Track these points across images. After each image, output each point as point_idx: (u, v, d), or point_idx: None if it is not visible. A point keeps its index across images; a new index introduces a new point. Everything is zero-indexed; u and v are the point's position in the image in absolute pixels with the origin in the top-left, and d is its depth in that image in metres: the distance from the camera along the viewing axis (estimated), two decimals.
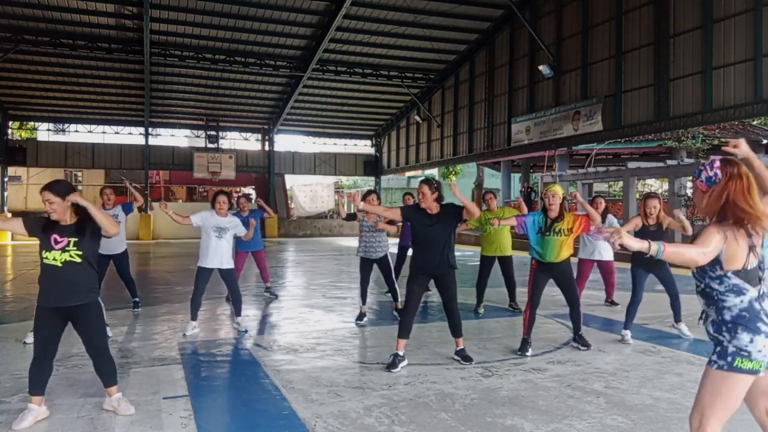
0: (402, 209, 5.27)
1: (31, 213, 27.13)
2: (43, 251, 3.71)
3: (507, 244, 7.72)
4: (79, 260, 3.73)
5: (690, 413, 2.57)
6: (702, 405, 2.47)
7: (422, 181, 5.18)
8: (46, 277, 3.74)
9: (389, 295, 8.43)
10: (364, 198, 6.95)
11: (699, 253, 2.39)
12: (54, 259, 3.69)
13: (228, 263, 6.35)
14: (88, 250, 3.78)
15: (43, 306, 3.76)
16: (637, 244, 2.38)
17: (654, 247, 2.39)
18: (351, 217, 7.17)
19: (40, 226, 3.75)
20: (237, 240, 8.55)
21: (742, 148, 2.82)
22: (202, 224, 6.23)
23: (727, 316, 2.43)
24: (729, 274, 2.41)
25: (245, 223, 8.30)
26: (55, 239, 3.70)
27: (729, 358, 2.40)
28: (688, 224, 5.96)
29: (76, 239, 3.73)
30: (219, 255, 6.25)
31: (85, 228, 3.77)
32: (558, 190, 5.56)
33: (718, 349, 2.47)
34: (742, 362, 2.37)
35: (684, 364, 5.20)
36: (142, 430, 3.64)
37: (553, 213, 5.50)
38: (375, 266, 7.22)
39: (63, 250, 3.69)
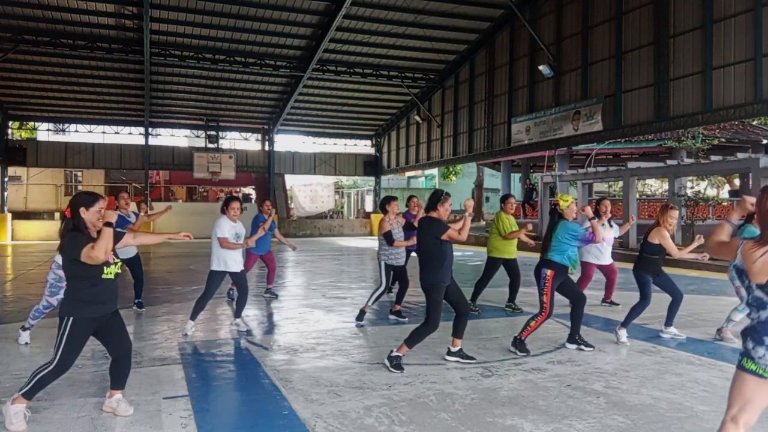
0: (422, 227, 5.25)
1: (32, 214, 27.17)
2: (104, 267, 3.69)
3: (515, 247, 7.77)
4: (121, 270, 3.88)
5: None
6: (728, 399, 2.71)
7: (448, 194, 5.25)
8: (97, 290, 3.69)
9: (390, 295, 8.42)
10: (385, 203, 6.97)
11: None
12: (109, 273, 3.74)
13: (241, 266, 6.45)
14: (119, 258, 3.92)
15: (85, 317, 3.67)
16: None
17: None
18: (390, 240, 6.96)
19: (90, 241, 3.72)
20: None
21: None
22: (230, 235, 6.24)
23: (748, 324, 2.67)
24: (753, 285, 2.57)
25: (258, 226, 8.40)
26: None
27: (740, 357, 2.63)
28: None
29: (113, 251, 3.77)
30: (234, 260, 6.33)
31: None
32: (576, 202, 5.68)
33: (740, 349, 2.71)
34: (747, 363, 2.58)
35: (684, 364, 5.20)
36: (142, 430, 3.64)
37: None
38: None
39: (114, 263, 3.78)
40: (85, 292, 3.68)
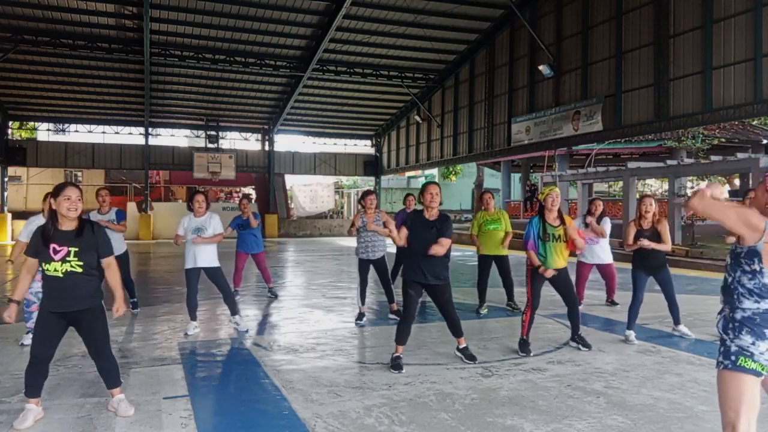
0: (404, 222, 5.15)
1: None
2: (44, 263, 3.64)
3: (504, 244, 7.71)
4: (80, 270, 3.66)
5: (721, 423, 2.54)
6: (724, 410, 2.47)
7: (432, 183, 5.15)
8: (48, 284, 3.69)
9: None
10: (362, 198, 6.97)
11: (735, 210, 2.36)
12: (55, 270, 3.62)
13: (211, 262, 6.27)
14: (89, 258, 3.69)
15: (46, 309, 3.73)
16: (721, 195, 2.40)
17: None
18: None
19: (39, 242, 3.67)
20: (237, 241, 8.58)
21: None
22: (185, 230, 6.22)
23: (738, 316, 2.42)
24: (764, 270, 2.35)
25: (244, 225, 8.40)
26: (54, 249, 3.62)
27: (732, 357, 2.41)
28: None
29: (76, 249, 3.65)
30: (201, 255, 6.21)
31: (84, 234, 3.69)
32: (559, 192, 5.59)
33: (722, 349, 2.47)
34: (745, 362, 2.38)
35: (684, 364, 5.20)
36: (142, 430, 3.64)
37: (553, 215, 5.50)
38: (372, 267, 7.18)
39: (63, 260, 3.62)
40: (43, 284, 3.75)
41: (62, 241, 3.65)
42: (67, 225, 3.70)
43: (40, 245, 3.67)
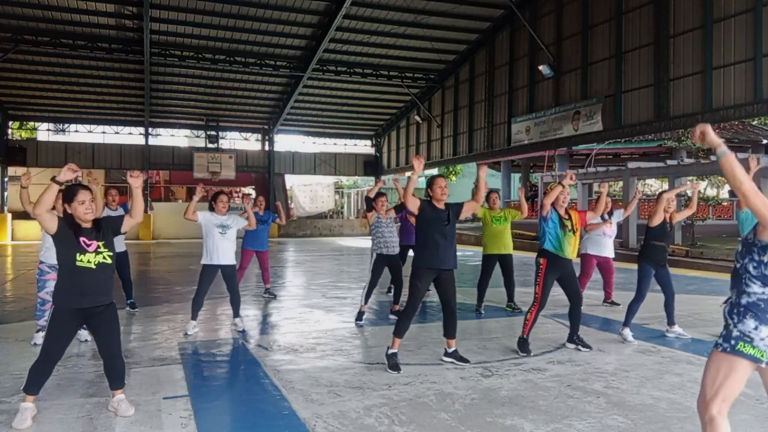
0: (422, 202, 5.07)
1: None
2: (77, 254, 3.66)
3: (509, 242, 7.70)
4: (110, 261, 3.79)
5: (697, 398, 2.60)
6: (705, 386, 2.52)
7: (440, 176, 5.21)
8: (74, 279, 3.69)
9: (389, 294, 8.41)
10: (374, 199, 7.03)
11: (754, 191, 2.34)
12: (89, 262, 3.68)
13: (231, 260, 6.35)
14: (112, 249, 3.84)
15: (65, 308, 3.72)
16: (715, 139, 2.43)
17: (724, 149, 2.41)
18: (369, 206, 7.14)
19: (69, 231, 3.70)
20: (244, 239, 8.60)
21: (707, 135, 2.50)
22: (205, 223, 6.24)
23: (743, 301, 2.47)
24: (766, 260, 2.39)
25: (262, 221, 8.50)
26: (85, 242, 3.69)
27: (732, 341, 2.45)
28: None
29: (102, 242, 3.76)
30: (225, 252, 6.28)
31: (102, 229, 3.81)
32: (569, 190, 5.70)
33: (724, 332, 2.52)
34: (744, 347, 2.42)
35: (684, 364, 5.20)
36: (142, 430, 3.64)
37: (562, 211, 5.59)
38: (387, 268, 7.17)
39: (96, 252, 3.71)
40: (65, 280, 3.73)
41: (89, 236, 3.73)
42: (86, 224, 3.79)
43: (70, 234, 3.68)
